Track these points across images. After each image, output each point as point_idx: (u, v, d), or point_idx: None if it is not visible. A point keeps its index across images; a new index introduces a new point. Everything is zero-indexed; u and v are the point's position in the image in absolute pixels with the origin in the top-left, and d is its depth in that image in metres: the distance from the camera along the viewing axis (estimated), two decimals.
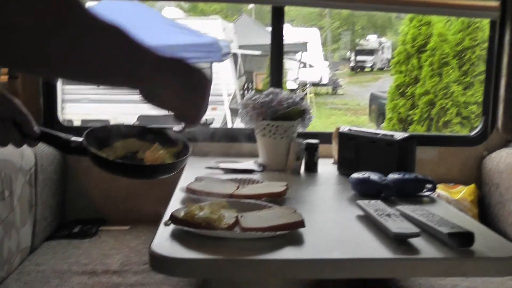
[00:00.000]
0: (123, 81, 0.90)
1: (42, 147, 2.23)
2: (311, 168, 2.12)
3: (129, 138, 1.33)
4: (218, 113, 7.97)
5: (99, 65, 0.81)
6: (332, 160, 2.34)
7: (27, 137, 1.14)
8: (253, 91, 2.19)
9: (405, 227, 1.30)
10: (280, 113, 2.06)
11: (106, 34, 0.81)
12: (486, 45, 2.76)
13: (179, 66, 0.95)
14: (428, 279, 1.89)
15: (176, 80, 0.95)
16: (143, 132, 1.35)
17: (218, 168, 2.10)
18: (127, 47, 0.84)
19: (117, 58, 0.83)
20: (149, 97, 0.94)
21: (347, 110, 14.42)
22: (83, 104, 8.36)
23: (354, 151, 2.04)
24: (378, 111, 9.90)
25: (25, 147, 1.99)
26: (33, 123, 1.14)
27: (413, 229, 1.29)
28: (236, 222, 1.28)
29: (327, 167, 2.23)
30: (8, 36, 0.69)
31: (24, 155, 2.04)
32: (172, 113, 1.01)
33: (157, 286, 1.79)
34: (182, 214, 1.27)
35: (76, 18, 0.75)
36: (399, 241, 1.26)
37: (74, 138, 1.22)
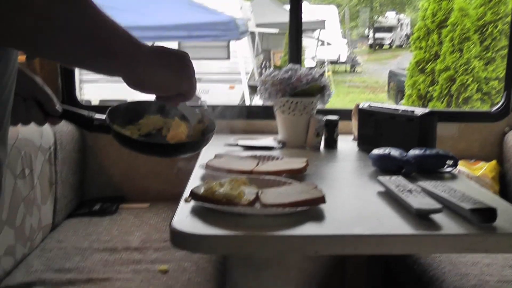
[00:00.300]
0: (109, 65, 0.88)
1: (61, 125, 2.24)
2: (331, 144, 2.10)
3: (153, 115, 1.32)
4: (236, 92, 7.95)
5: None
6: (351, 137, 2.32)
7: (50, 115, 1.14)
8: (272, 68, 2.16)
9: (427, 203, 1.29)
10: (299, 90, 2.04)
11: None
12: (508, 19, 2.71)
13: (157, 49, 0.94)
14: (448, 256, 1.88)
15: (157, 61, 0.94)
16: (168, 108, 1.33)
17: (237, 145, 2.09)
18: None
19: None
20: (133, 82, 0.93)
21: (365, 88, 14.31)
22: (101, 84, 8.38)
23: (374, 127, 2.02)
24: (396, 89, 9.82)
25: (44, 125, 2.01)
26: (55, 101, 1.13)
27: (435, 205, 1.28)
28: (257, 198, 1.28)
29: (346, 144, 2.21)
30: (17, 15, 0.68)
31: (43, 134, 2.04)
32: (159, 94, 1.00)
33: (178, 263, 1.80)
34: (202, 190, 1.26)
35: None
36: (421, 217, 1.24)
37: (97, 116, 1.21)
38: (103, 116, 1.19)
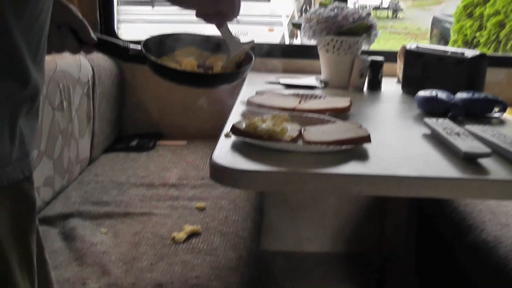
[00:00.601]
0: None
1: (99, 60, 2.22)
2: (375, 86, 2.04)
3: (189, 47, 1.29)
4: (275, 34, 7.82)
5: None
6: (395, 80, 2.26)
7: (84, 44, 1.12)
8: (317, 6, 2.09)
9: (476, 146, 1.23)
10: (345, 28, 1.97)
11: None
12: None
13: None
14: (489, 205, 1.84)
15: None
16: (204, 41, 1.31)
17: (279, 83, 2.05)
18: None
19: None
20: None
21: (407, 35, 13.98)
22: (138, 24, 8.33)
23: (421, 69, 1.94)
24: (440, 35, 9.56)
25: (82, 59, 1.99)
26: (90, 29, 1.11)
27: (484, 148, 1.22)
28: (299, 136, 1.24)
29: (390, 86, 2.15)
30: None
31: (81, 67, 2.02)
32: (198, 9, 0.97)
33: (215, 201, 1.79)
34: (244, 125, 1.23)
35: None
36: (469, 161, 1.19)
37: (132, 46, 1.20)
38: (139, 46, 1.19)
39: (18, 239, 0.79)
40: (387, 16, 17.66)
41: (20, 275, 0.79)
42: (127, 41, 1.21)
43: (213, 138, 1.31)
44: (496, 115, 1.70)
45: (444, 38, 7.85)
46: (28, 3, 0.73)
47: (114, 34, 2.49)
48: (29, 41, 0.76)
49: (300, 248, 2.61)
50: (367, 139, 1.22)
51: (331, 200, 2.55)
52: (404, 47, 2.09)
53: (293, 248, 2.60)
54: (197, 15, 0.99)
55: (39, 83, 0.80)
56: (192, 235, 1.56)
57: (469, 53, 1.83)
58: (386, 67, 2.11)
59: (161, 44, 1.28)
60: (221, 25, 1.18)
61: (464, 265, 1.77)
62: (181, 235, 1.53)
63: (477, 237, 1.70)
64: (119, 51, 1.20)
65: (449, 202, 1.96)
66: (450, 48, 1.94)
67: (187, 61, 1.25)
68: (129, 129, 2.53)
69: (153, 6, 8.31)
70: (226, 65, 1.25)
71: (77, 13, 1.10)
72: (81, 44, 1.12)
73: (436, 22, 10.48)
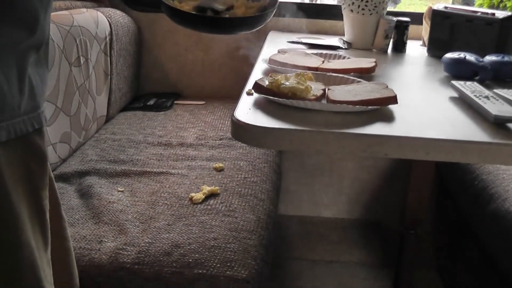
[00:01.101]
0: None
1: (117, 17, 2.18)
2: (400, 47, 1.98)
3: None
4: None
5: None
6: (420, 43, 2.20)
7: None
8: None
9: (506, 110, 1.18)
10: None
11: None
12: None
13: None
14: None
15: None
16: None
17: (301, 43, 2.00)
18: None
19: None
20: None
21: (428, 1, 13.79)
22: None
23: (448, 31, 1.88)
24: (462, 1, 9.43)
25: (100, 15, 1.95)
26: None
27: None
28: (324, 95, 1.19)
29: (415, 49, 2.09)
30: None
31: (99, 23, 1.98)
32: None
33: (233, 162, 1.76)
34: (267, 83, 1.19)
35: None
36: (499, 125, 1.14)
37: None
38: None
39: (29, 193, 0.77)
40: None
41: (32, 230, 0.77)
42: None
43: (232, 98, 1.27)
44: None
45: (467, 4, 7.72)
46: None
47: None
48: None
49: (316, 213, 2.59)
50: (394, 100, 1.17)
51: (349, 166, 2.52)
52: (431, 8, 2.02)
53: (309, 213, 2.58)
54: None
55: (46, 30, 0.77)
56: (210, 196, 1.54)
57: (500, 14, 1.76)
58: (411, 29, 2.05)
59: None
60: None
61: (482, 236, 1.73)
62: (199, 196, 1.51)
63: (499, 206, 1.66)
64: None
65: (470, 170, 1.92)
66: (479, 9, 1.88)
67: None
68: (146, 88, 2.50)
69: None
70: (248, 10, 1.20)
71: None
72: None
73: None
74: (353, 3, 1.95)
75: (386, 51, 1.98)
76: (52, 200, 0.85)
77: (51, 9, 0.80)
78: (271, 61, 1.51)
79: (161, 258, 1.25)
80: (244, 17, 1.17)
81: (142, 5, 1.16)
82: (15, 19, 0.70)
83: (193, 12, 1.14)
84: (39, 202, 0.79)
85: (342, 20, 2.08)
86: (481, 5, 5.08)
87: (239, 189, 1.58)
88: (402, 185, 2.34)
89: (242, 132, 1.06)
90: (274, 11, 1.17)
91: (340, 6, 2.05)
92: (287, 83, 1.16)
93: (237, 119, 1.06)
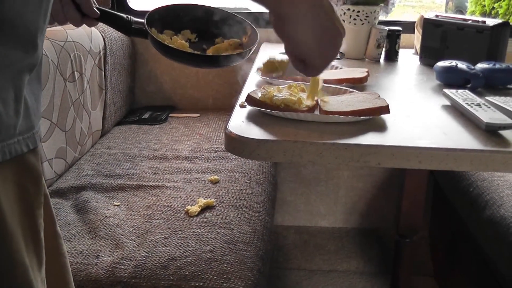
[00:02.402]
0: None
1: (110, 31, 2.19)
2: (392, 56, 2.00)
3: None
4: None
5: None
6: (412, 51, 2.21)
7: (87, 16, 1.11)
8: None
9: (498, 117, 1.20)
10: None
11: None
12: None
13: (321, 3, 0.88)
14: (507, 180, 1.81)
15: (312, 17, 0.88)
16: (210, 14, 1.26)
17: None
18: None
19: None
20: (279, 26, 0.88)
21: (421, 8, 13.83)
22: None
23: (440, 39, 1.89)
24: (455, 8, 9.46)
25: (93, 29, 1.96)
26: (92, 2, 1.10)
27: (507, 120, 1.18)
28: (316, 106, 1.20)
29: (407, 57, 2.11)
30: None
31: (93, 38, 2.00)
32: (297, 55, 0.93)
33: (228, 174, 1.76)
34: (259, 95, 1.20)
35: None
36: (491, 133, 1.15)
37: (136, 19, 1.16)
38: (143, 20, 1.15)
39: (24, 213, 0.77)
40: None
41: (26, 249, 0.77)
42: (131, 16, 1.17)
43: (226, 110, 1.29)
44: None
45: (460, 11, 7.74)
46: None
47: (126, 6, 2.45)
48: (36, 9, 0.73)
49: (312, 223, 2.59)
50: (386, 109, 1.19)
51: (344, 175, 2.53)
52: (422, 16, 2.04)
53: (306, 222, 2.59)
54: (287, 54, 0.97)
55: (41, 50, 0.78)
56: (206, 208, 1.54)
57: (491, 21, 1.78)
58: (403, 38, 2.07)
59: (167, 17, 1.24)
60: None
61: (479, 241, 1.74)
62: (194, 209, 1.51)
63: (495, 212, 1.67)
64: (122, 25, 1.17)
65: (466, 177, 1.93)
66: (470, 17, 1.90)
67: (179, 43, 1.21)
68: (141, 101, 2.51)
69: None
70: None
71: None
72: (84, 16, 1.10)
73: None
74: (344, 13, 1.96)
75: (378, 60, 1.99)
76: (47, 217, 0.85)
77: (46, 29, 0.80)
78: (264, 73, 1.52)
79: (158, 272, 1.25)
80: (224, 55, 1.19)
81: (132, 33, 1.17)
82: (13, 39, 0.71)
83: (175, 47, 1.16)
84: (33, 221, 0.79)
85: None
86: (473, 12, 5.11)
87: (235, 201, 1.59)
88: (397, 192, 2.35)
89: (236, 144, 1.07)
90: (255, 47, 1.20)
91: None
92: (280, 95, 1.17)
93: (230, 132, 1.07)
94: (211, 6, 1.28)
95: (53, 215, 0.91)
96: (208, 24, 1.26)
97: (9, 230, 0.73)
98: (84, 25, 1.14)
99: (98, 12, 1.11)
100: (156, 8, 1.22)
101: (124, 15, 1.16)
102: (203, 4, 1.27)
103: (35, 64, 0.76)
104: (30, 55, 0.74)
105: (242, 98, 1.27)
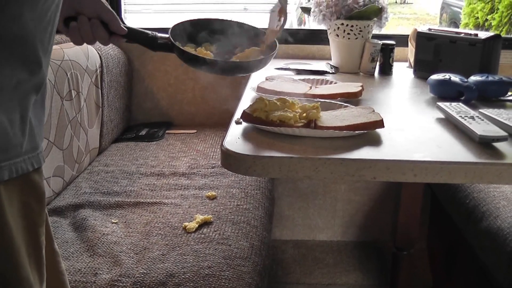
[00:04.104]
0: None
1: (107, 49, 2.20)
2: (386, 70, 2.01)
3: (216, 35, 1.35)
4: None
5: None
6: (406, 64, 2.23)
7: (114, 34, 1.16)
8: None
9: (491, 130, 1.21)
10: (355, 12, 1.94)
11: None
12: None
13: None
14: (503, 192, 1.81)
15: None
16: (232, 26, 1.36)
17: (288, 69, 2.02)
18: None
19: None
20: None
21: (415, 20, 13.88)
22: (144, 14, 8.28)
23: (433, 52, 1.91)
24: (449, 20, 9.49)
25: (90, 48, 1.98)
26: (119, 21, 1.15)
27: (500, 132, 1.19)
28: (311, 121, 1.21)
29: (402, 70, 2.12)
30: None
31: (89, 56, 2.01)
32: None
33: (226, 190, 1.77)
34: (251, 109, 1.21)
35: None
36: (484, 145, 1.16)
37: (160, 35, 1.24)
38: (167, 35, 1.23)
39: (27, 230, 0.79)
40: (395, 1, 17.54)
41: (29, 267, 0.78)
42: (154, 32, 1.25)
43: (223, 126, 1.30)
44: (511, 98, 1.67)
45: (454, 23, 7.77)
46: None
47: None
48: (42, 31, 0.77)
49: (311, 237, 2.59)
50: (380, 123, 1.20)
51: (342, 189, 2.53)
52: (415, 30, 2.06)
53: (304, 237, 2.59)
54: None
55: (46, 72, 0.80)
56: (204, 224, 1.55)
57: (483, 34, 1.80)
58: (397, 51, 2.09)
59: (189, 30, 1.34)
60: None
61: (477, 252, 1.74)
62: (192, 225, 1.52)
63: (491, 223, 1.68)
64: (148, 41, 1.23)
65: (462, 189, 1.94)
66: (463, 30, 1.92)
67: (205, 53, 1.30)
68: (138, 118, 2.52)
69: None
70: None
71: (107, 5, 1.15)
72: (111, 35, 1.16)
73: (445, 6, 10.38)
74: (338, 28, 1.98)
75: (373, 74, 2.01)
76: (46, 235, 0.86)
77: (51, 51, 0.83)
78: (259, 88, 1.53)
79: None
80: (246, 62, 1.30)
81: (157, 48, 1.25)
82: (17, 60, 0.73)
83: (201, 56, 1.26)
84: (36, 238, 0.81)
85: (329, 44, 2.11)
86: (467, 25, 5.12)
87: (232, 216, 1.60)
88: (394, 205, 2.35)
89: (232, 161, 1.08)
90: (275, 54, 1.31)
91: (326, 31, 2.08)
92: (276, 113, 1.18)
93: (226, 148, 1.08)
94: (226, 19, 1.37)
95: (51, 233, 0.93)
96: (225, 35, 1.34)
97: (15, 246, 0.76)
98: (104, 45, 1.21)
99: (125, 29, 1.16)
100: (176, 24, 1.30)
101: (149, 32, 1.23)
102: (217, 17, 1.37)
103: (40, 85, 0.79)
104: (36, 75, 0.77)
105: (237, 114, 1.28)
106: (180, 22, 1.32)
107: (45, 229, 0.86)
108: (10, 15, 0.70)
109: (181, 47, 1.23)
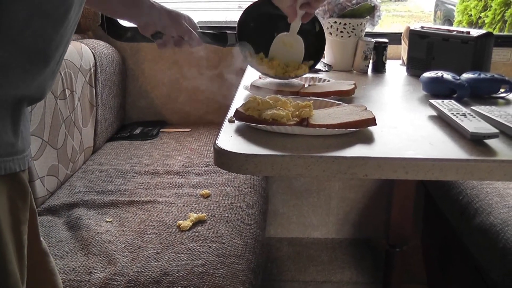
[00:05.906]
0: None
1: (100, 48, 2.20)
2: (379, 68, 2.02)
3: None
4: None
5: None
6: (399, 62, 2.23)
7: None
8: None
9: (483, 127, 1.21)
10: (348, 10, 1.95)
11: None
12: None
13: None
14: (496, 188, 1.82)
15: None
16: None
17: None
18: None
19: None
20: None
21: (410, 18, 13.89)
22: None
23: (426, 50, 1.92)
24: (443, 17, 9.50)
25: (83, 47, 1.98)
26: (197, 37, 1.41)
27: (492, 129, 1.20)
28: (304, 119, 1.22)
29: (394, 68, 2.13)
30: None
31: (83, 55, 2.01)
32: None
33: (220, 188, 1.77)
34: (243, 108, 1.22)
35: None
36: (476, 142, 1.17)
37: (229, 32, 1.49)
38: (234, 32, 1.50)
39: (13, 227, 0.81)
40: None
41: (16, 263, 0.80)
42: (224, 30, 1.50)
43: (217, 125, 1.31)
44: (503, 94, 1.68)
45: (448, 20, 7.79)
46: (65, 20, 0.81)
47: (115, 21, 2.46)
48: (60, 52, 0.84)
49: (305, 235, 2.60)
50: (373, 121, 1.20)
51: (336, 186, 2.54)
52: (408, 28, 2.06)
53: (298, 234, 2.60)
54: None
55: (47, 90, 0.87)
56: (198, 222, 1.55)
57: (475, 32, 1.81)
58: (390, 49, 2.09)
59: (256, 29, 1.59)
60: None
61: (471, 249, 1.75)
62: (186, 223, 1.52)
63: (484, 220, 1.69)
64: (220, 39, 1.50)
65: (455, 185, 1.95)
66: (455, 28, 1.92)
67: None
68: (132, 117, 2.52)
69: None
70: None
71: (188, 28, 1.39)
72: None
73: (440, 4, 10.40)
74: (331, 26, 1.98)
75: (366, 72, 2.01)
76: (32, 234, 0.88)
77: (57, 73, 0.87)
78: (252, 87, 1.54)
79: (151, 287, 1.26)
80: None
81: (227, 46, 1.53)
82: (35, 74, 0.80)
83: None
84: (20, 236, 0.83)
85: None
86: (460, 22, 5.13)
87: (226, 214, 1.60)
88: (388, 202, 2.36)
89: (224, 159, 1.08)
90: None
91: None
92: (268, 112, 1.18)
93: (219, 147, 1.08)
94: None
95: (39, 233, 0.94)
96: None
97: (4, 240, 0.77)
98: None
99: (202, 42, 1.44)
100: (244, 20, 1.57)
101: (218, 32, 1.50)
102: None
103: (38, 101, 0.85)
104: (41, 97, 0.84)
105: (231, 113, 1.28)
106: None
107: (32, 228, 0.88)
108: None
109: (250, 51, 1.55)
